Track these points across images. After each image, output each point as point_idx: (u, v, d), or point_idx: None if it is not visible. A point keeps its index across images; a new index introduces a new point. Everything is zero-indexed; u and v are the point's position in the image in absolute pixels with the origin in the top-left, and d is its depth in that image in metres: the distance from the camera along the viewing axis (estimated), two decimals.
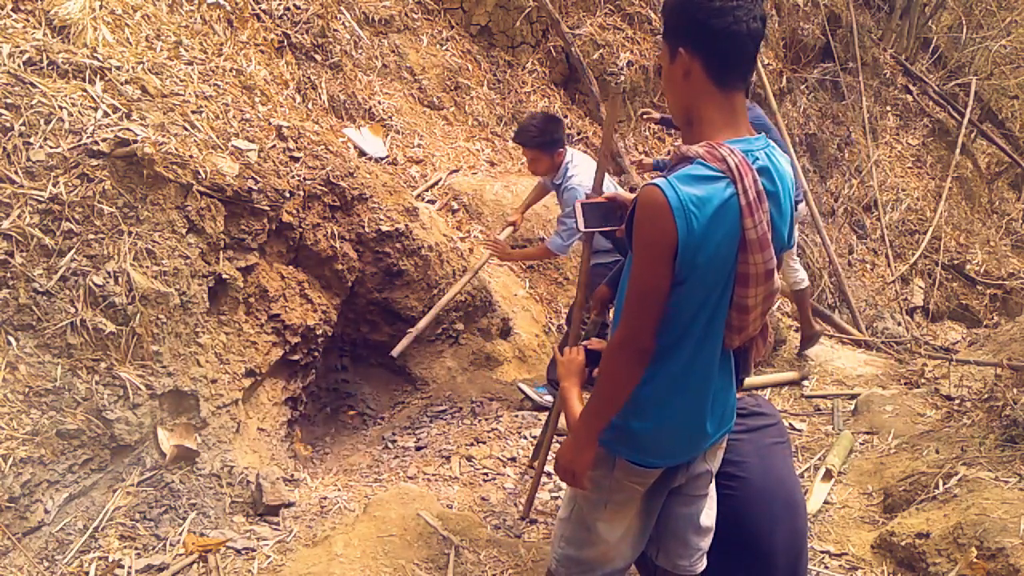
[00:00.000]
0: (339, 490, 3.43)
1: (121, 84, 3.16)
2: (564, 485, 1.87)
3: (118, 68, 3.20)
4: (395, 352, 4.14)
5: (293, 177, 3.73)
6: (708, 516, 1.89)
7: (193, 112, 3.37)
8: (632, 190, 4.16)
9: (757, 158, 1.56)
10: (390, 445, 4.08)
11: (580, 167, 3.92)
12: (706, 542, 1.90)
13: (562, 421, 1.96)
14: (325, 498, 3.31)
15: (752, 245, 1.51)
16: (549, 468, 3.66)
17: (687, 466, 1.79)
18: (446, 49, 6.58)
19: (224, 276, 3.33)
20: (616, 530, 1.81)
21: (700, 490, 1.85)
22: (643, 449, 1.72)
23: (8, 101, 2.79)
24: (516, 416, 4.18)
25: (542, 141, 3.87)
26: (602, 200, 2.22)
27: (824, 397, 4.66)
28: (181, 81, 3.50)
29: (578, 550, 1.85)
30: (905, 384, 4.81)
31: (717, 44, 1.53)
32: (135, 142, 2.94)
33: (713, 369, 1.68)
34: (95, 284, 2.81)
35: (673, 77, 1.61)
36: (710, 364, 1.67)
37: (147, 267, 2.97)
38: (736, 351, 1.75)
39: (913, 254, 8.46)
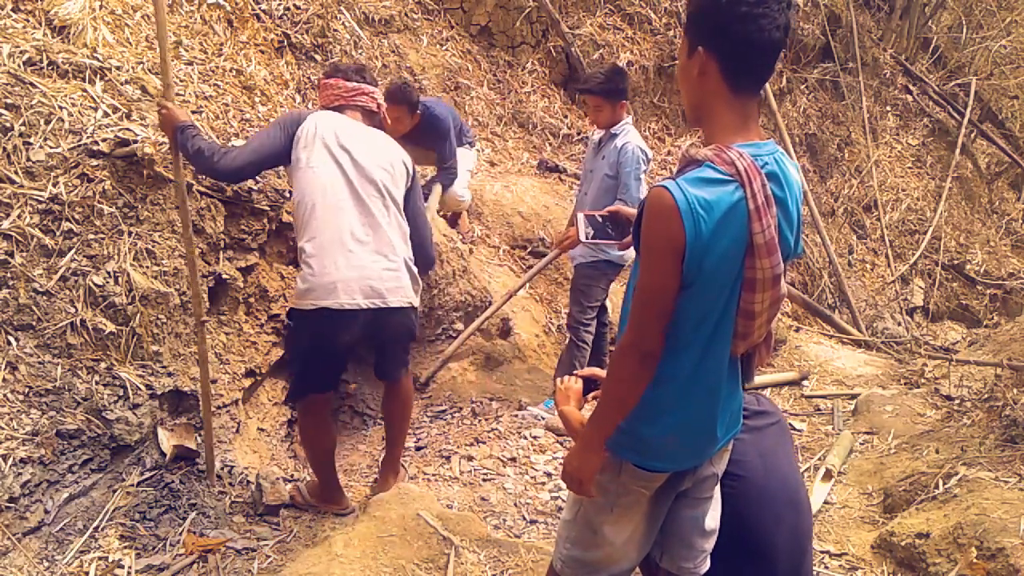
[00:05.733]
0: None
1: (121, 84, 3.16)
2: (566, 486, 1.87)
3: (118, 68, 3.20)
4: (424, 378, 4.52)
5: None
6: (713, 518, 1.88)
7: (193, 112, 3.36)
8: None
9: (766, 163, 1.55)
10: None
11: (632, 133, 4.03)
12: (710, 544, 1.89)
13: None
14: None
15: (760, 250, 1.50)
16: (549, 468, 3.66)
17: (694, 470, 1.78)
18: (446, 49, 6.58)
19: (224, 276, 3.33)
20: (622, 533, 1.80)
21: (706, 493, 1.84)
22: (650, 453, 1.71)
23: (8, 101, 2.79)
24: (516, 416, 4.18)
25: (608, 88, 3.96)
26: (605, 213, 2.26)
27: (824, 397, 4.66)
28: (181, 81, 3.50)
29: (584, 551, 1.85)
30: (905, 384, 4.80)
31: (736, 50, 1.52)
32: (135, 142, 2.94)
33: (722, 374, 1.67)
34: (95, 284, 2.81)
35: (688, 73, 1.60)
36: (719, 369, 1.65)
37: (147, 267, 2.97)
38: (740, 357, 1.75)
39: (913, 254, 8.46)
